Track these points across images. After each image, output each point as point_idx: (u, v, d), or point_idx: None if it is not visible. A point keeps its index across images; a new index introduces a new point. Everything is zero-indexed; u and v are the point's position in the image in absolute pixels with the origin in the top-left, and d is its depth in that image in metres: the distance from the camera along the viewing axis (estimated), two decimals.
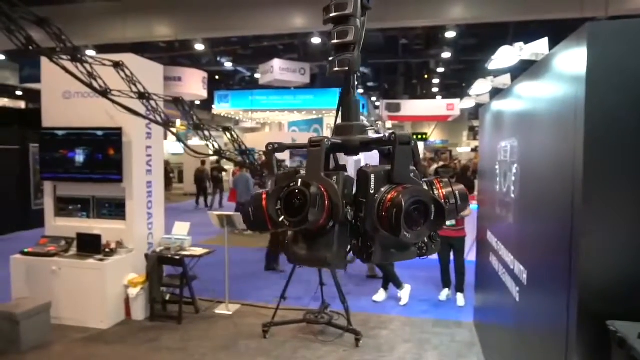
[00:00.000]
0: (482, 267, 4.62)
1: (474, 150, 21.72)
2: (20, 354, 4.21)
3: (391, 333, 4.82)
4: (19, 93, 18.09)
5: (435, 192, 0.70)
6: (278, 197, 0.63)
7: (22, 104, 18.22)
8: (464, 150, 26.47)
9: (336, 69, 0.73)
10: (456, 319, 5.20)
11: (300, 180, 0.62)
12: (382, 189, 0.63)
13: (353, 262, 0.69)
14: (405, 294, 5.69)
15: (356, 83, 0.76)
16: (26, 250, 5.10)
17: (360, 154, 0.76)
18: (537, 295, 2.52)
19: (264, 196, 0.68)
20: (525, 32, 10.89)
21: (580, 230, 1.82)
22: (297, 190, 0.62)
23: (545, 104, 2.45)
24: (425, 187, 0.69)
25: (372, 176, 0.64)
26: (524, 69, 3.04)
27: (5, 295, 4.96)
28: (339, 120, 0.77)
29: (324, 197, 0.61)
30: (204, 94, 16.45)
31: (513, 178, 3.09)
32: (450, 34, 12.73)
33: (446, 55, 15.11)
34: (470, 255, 7.36)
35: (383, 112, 18.40)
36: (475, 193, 7.83)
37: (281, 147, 0.77)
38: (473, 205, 7.04)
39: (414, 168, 0.68)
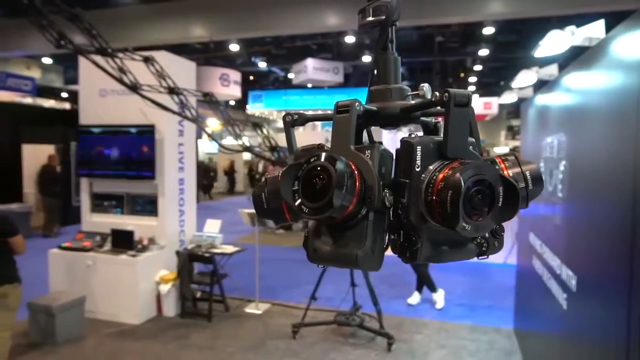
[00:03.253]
0: (523, 272, 4.36)
1: (513, 150, 21.00)
2: (55, 347, 4.28)
3: (425, 338, 4.63)
4: (64, 95, 18.83)
5: None
6: (295, 175, 0.49)
7: (67, 105, 18.97)
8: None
9: (370, 18, 0.59)
10: (495, 325, 4.95)
11: (323, 155, 0.48)
12: (432, 166, 0.49)
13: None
14: (440, 297, 5.47)
15: (394, 37, 0.60)
16: (63, 245, 5.22)
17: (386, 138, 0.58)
18: (589, 303, 2.30)
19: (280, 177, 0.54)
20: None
21: None
22: (319, 167, 0.47)
23: (599, 96, 2.23)
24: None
25: (418, 148, 0.49)
26: (573, 58, 2.81)
27: (43, 288, 5.08)
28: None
29: (354, 176, 0.47)
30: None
31: (560, 176, 2.86)
32: (488, 30, 12.31)
33: (484, 52, 14.63)
34: (510, 258, 7.05)
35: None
36: None
37: (301, 118, 0.63)
38: None
39: (474, 140, 0.53)
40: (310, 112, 0.65)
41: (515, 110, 19.36)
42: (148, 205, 5.32)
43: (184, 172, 5.51)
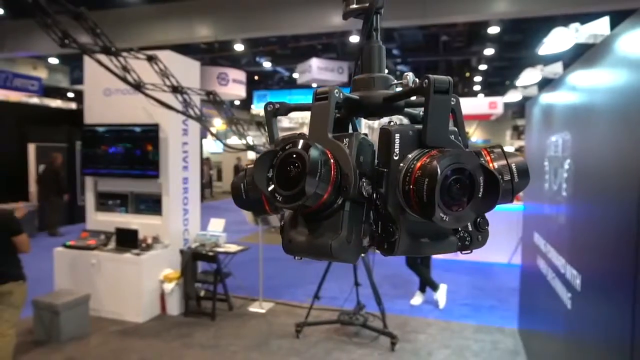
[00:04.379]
0: (527, 271, 4.33)
1: (518, 150, 20.90)
2: (60, 344, 4.30)
3: (429, 337, 4.61)
4: (70, 95, 18.94)
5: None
6: (271, 163, 0.48)
7: (73, 105, 19.10)
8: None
9: (354, 6, 0.57)
10: (499, 325, 4.92)
11: (300, 142, 0.47)
12: (410, 155, 0.47)
13: (366, 253, 0.52)
14: (442, 294, 5.43)
15: (379, 25, 0.59)
16: (68, 243, 5.24)
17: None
18: (593, 303, 2.28)
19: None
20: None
21: None
22: (294, 155, 0.46)
23: (604, 94, 2.21)
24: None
25: (397, 136, 0.48)
26: (578, 56, 2.79)
27: (48, 286, 5.11)
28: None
29: (329, 164, 0.46)
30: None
31: (565, 175, 2.84)
32: (493, 30, 12.25)
33: (489, 52, 14.57)
34: (514, 258, 7.02)
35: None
36: (520, 194, 7.48)
37: (284, 108, 0.61)
38: (516, 207, 6.69)
39: (455, 129, 0.52)
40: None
41: (520, 109, 19.28)
42: (152, 204, 5.34)
43: (188, 171, 5.52)
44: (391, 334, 4.34)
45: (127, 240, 5.05)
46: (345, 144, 0.49)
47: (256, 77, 20.15)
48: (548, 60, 6.06)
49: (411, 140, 0.48)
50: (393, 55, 14.19)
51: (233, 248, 5.22)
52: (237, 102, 20.18)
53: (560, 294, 2.84)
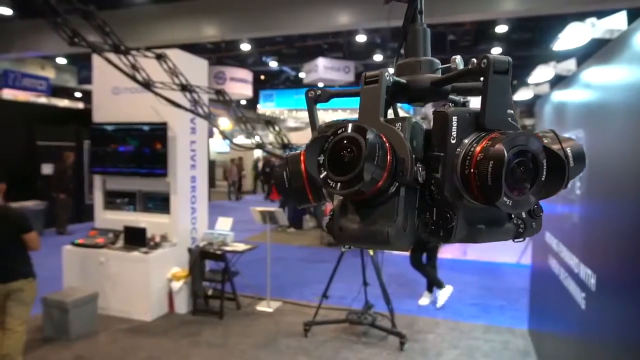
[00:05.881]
0: (538, 271, 4.29)
1: None
2: (69, 342, 4.31)
3: (438, 337, 4.58)
4: (77, 95, 19.05)
5: None
6: (321, 148, 0.46)
7: (80, 105, 19.24)
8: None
9: None
10: (509, 325, 4.88)
11: (351, 125, 0.44)
12: (468, 138, 0.45)
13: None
14: (444, 294, 5.41)
15: (423, 8, 0.57)
16: (77, 241, 5.26)
17: None
18: (608, 302, 2.25)
19: (304, 156, 0.51)
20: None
21: None
22: (347, 139, 0.44)
23: (620, 91, 2.17)
24: None
25: (454, 119, 0.46)
26: (591, 53, 2.75)
27: (57, 284, 5.13)
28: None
29: (385, 148, 0.44)
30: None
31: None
32: (501, 29, 12.18)
33: (497, 51, 14.49)
34: (523, 258, 6.96)
35: (429, 111, 17.95)
36: None
37: (325, 94, 0.59)
38: None
39: (512, 112, 0.49)
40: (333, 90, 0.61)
41: (528, 109, 19.13)
42: (160, 203, 5.35)
43: (195, 170, 5.52)
44: (400, 334, 4.32)
45: (135, 238, 5.06)
46: (398, 128, 0.47)
47: (262, 77, 20.17)
48: (560, 57, 5.99)
49: (468, 123, 0.46)
50: (400, 55, 14.13)
51: (241, 247, 5.22)
52: (243, 102, 20.20)
53: (573, 294, 2.81)
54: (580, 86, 2.98)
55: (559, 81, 3.97)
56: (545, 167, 0.43)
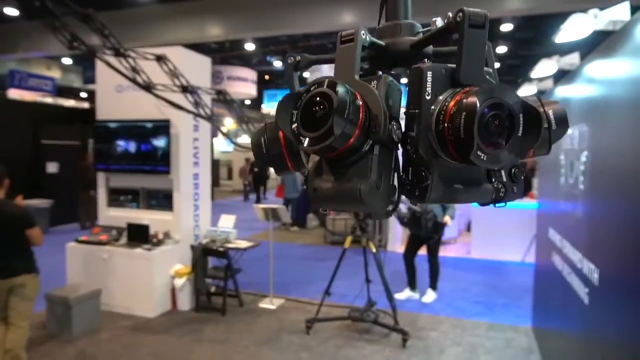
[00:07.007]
0: (542, 268, 4.26)
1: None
2: (72, 338, 4.33)
3: (441, 335, 4.56)
4: (83, 94, 19.15)
5: None
6: (294, 105, 0.45)
7: (86, 105, 19.35)
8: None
9: None
10: (512, 323, 4.85)
11: (326, 81, 0.43)
12: (443, 94, 0.44)
13: (395, 208, 0.48)
14: (429, 296, 5.50)
15: None
16: (80, 238, 5.28)
17: None
18: (611, 298, 2.23)
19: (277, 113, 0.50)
20: None
21: None
22: (319, 94, 0.43)
23: (624, 84, 2.15)
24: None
25: (429, 74, 0.44)
26: (595, 46, 2.72)
27: (61, 281, 5.15)
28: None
29: (357, 104, 0.42)
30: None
31: (582, 167, 2.78)
32: (506, 27, 12.12)
33: (501, 49, 14.43)
34: (528, 257, 6.92)
35: None
36: (534, 191, 7.36)
37: (305, 60, 0.58)
38: (530, 204, 6.60)
39: (490, 70, 0.48)
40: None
41: None
42: (163, 200, 5.36)
43: (198, 167, 5.53)
44: (402, 331, 4.30)
45: (139, 235, 5.07)
46: (373, 86, 0.46)
47: (267, 77, 20.19)
48: (564, 51, 5.94)
49: (444, 78, 0.45)
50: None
51: (243, 244, 5.22)
52: (247, 102, 20.24)
53: (576, 290, 2.78)
54: (583, 81, 2.95)
55: (562, 76, 3.94)
56: (522, 122, 0.42)
